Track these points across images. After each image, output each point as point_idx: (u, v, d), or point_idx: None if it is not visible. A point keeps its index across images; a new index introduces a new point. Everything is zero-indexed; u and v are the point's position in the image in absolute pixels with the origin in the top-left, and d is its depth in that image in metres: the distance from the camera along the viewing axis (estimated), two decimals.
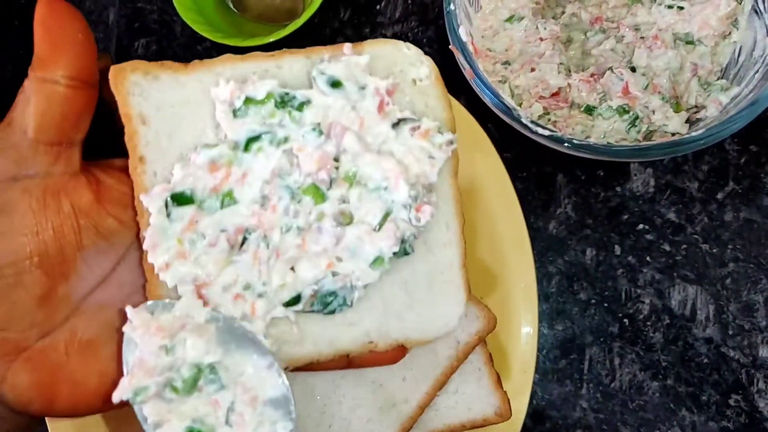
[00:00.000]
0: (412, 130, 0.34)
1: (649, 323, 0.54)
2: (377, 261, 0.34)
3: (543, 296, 0.54)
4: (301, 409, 0.47)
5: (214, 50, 0.60)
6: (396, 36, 0.60)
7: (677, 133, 0.49)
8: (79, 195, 0.33)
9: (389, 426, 0.46)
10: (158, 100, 0.33)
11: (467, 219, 0.53)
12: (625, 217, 0.55)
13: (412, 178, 0.34)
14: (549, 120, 0.51)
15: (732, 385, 0.53)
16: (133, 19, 0.63)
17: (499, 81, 0.51)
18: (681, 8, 0.52)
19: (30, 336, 0.32)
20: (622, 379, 0.54)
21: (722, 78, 0.51)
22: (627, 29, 0.52)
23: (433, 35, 0.59)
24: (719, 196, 0.55)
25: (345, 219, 0.34)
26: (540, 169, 0.56)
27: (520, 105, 0.51)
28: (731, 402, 0.52)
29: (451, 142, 0.35)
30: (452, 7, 0.47)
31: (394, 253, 0.34)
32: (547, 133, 0.45)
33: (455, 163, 0.36)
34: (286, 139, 0.33)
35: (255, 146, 0.33)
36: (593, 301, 0.55)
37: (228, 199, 0.33)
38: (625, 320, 0.54)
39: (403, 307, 0.36)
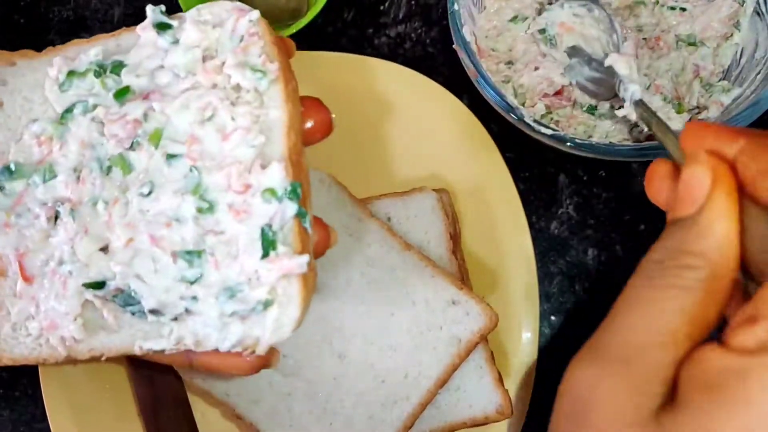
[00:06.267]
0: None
1: None
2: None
3: (544, 296, 0.55)
4: (302, 406, 0.47)
5: None
6: (400, 37, 0.60)
7: None
8: None
9: (391, 423, 0.46)
10: (13, 86, 0.35)
11: (469, 219, 0.54)
12: (627, 217, 0.55)
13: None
14: (551, 120, 0.51)
15: None
16: (139, 18, 0.62)
17: (503, 81, 0.52)
18: (683, 9, 0.52)
19: None
20: None
21: (724, 79, 0.52)
22: (629, 30, 0.53)
23: (437, 35, 0.59)
24: None
25: (145, 189, 0.33)
26: (542, 169, 0.56)
27: (523, 104, 0.51)
28: None
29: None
30: (456, 7, 0.47)
31: (198, 210, 0.32)
32: (549, 132, 0.45)
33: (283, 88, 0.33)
34: (94, 107, 0.34)
35: (68, 116, 0.34)
36: (595, 301, 0.55)
37: (49, 172, 0.34)
38: None
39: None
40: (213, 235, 0.32)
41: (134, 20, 0.63)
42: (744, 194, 0.29)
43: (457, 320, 0.47)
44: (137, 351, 0.33)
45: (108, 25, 0.63)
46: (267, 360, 0.34)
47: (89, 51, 0.34)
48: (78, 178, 0.33)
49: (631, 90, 0.44)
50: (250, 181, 0.32)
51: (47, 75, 0.35)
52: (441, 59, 0.59)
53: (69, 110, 0.34)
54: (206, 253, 0.32)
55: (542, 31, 0.51)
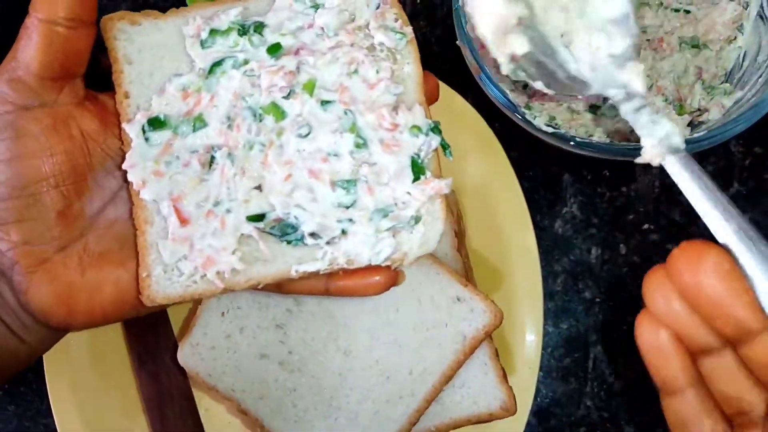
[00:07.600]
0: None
1: None
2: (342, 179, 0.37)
3: (548, 294, 0.55)
4: (307, 402, 0.47)
5: None
6: None
7: None
8: (86, 121, 0.36)
9: (396, 419, 0.46)
10: (140, 43, 0.37)
11: (474, 217, 0.54)
12: (631, 216, 0.56)
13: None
14: (554, 119, 0.51)
15: None
16: None
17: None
18: (687, 12, 0.52)
19: (49, 249, 0.35)
20: (627, 377, 0.54)
21: (726, 82, 0.52)
22: None
23: (441, 34, 0.60)
24: None
25: (304, 131, 0.37)
26: (546, 168, 0.57)
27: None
28: None
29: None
30: (461, 3, 0.48)
31: (356, 146, 0.37)
32: (551, 131, 0.45)
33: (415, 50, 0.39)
34: (246, 62, 0.37)
35: (218, 70, 0.37)
36: (598, 299, 0.55)
37: (199, 122, 0.37)
38: (630, 319, 0.54)
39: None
40: (366, 166, 0.37)
41: None
42: None
43: (461, 317, 0.47)
44: (293, 275, 0.37)
45: None
46: (395, 279, 0.39)
47: (229, 11, 0.38)
48: (230, 126, 0.37)
49: (667, 128, 0.35)
50: (397, 120, 0.37)
51: (183, 34, 0.37)
52: (445, 58, 0.59)
53: (217, 64, 0.37)
54: (361, 181, 0.37)
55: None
